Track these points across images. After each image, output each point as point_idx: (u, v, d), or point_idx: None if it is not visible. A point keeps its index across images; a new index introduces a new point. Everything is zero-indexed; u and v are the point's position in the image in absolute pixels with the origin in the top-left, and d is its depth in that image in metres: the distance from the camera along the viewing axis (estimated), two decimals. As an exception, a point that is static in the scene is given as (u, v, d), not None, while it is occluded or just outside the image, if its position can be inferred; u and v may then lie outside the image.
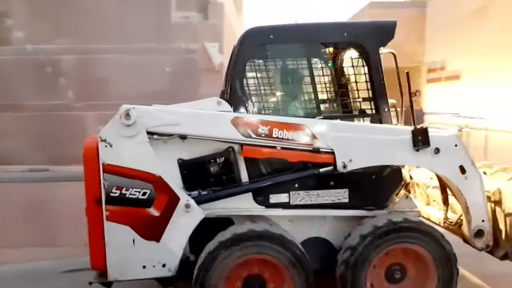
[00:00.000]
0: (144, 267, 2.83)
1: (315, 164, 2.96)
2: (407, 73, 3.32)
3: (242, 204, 3.00)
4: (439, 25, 21.63)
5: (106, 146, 2.74)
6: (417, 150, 2.98)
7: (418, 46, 25.62)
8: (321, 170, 2.94)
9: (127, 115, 2.74)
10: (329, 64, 3.25)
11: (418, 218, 3.31)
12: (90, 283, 2.89)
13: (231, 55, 3.23)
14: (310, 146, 2.91)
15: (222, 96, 3.75)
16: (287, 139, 2.89)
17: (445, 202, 3.39)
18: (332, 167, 2.93)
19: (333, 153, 2.92)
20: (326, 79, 3.23)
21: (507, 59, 15.84)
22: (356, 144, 2.96)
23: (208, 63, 5.06)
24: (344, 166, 2.92)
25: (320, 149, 2.93)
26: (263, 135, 2.88)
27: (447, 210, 3.42)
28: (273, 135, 2.89)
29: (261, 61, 3.28)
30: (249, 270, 2.90)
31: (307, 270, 2.88)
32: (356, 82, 3.19)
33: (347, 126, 3.09)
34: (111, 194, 2.76)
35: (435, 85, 21.74)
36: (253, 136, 2.88)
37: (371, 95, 3.18)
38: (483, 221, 3.09)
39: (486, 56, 17.25)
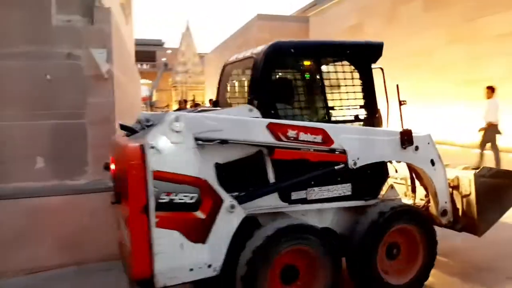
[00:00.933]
0: (191, 269, 2.88)
1: (330, 163, 3.35)
2: (397, 85, 3.89)
3: (271, 202, 3.25)
4: (320, 39, 23.35)
5: (155, 152, 2.73)
6: (404, 148, 3.59)
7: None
8: (336, 167, 3.35)
9: (176, 121, 2.81)
10: (332, 76, 3.64)
11: (407, 203, 3.99)
12: None
13: (254, 67, 3.45)
14: (327, 147, 3.32)
15: (214, 104, 4.08)
16: (310, 141, 3.26)
17: (414, 190, 4.10)
18: (343, 165, 3.36)
19: (345, 152, 3.36)
20: (334, 89, 3.62)
21: (375, 70, 17.73)
22: (362, 144, 3.44)
23: (96, 70, 4.71)
24: (354, 164, 3.39)
25: (335, 150, 3.35)
26: (292, 138, 3.19)
27: (415, 197, 4.13)
28: (299, 138, 3.21)
29: (281, 71, 3.73)
30: (287, 260, 3.13)
31: (337, 259, 3.24)
32: (354, 92, 3.64)
33: (354, 129, 3.57)
34: (160, 201, 2.75)
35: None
36: (284, 139, 3.17)
37: (364, 103, 3.65)
38: (446, 202, 3.85)
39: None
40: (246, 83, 3.94)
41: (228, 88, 4.24)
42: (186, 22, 44.32)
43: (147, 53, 64.33)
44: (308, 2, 33.39)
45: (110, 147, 3.74)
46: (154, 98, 60.31)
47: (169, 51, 61.03)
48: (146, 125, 3.29)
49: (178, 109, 11.77)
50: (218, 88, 4.30)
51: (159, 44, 68.79)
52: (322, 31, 23.29)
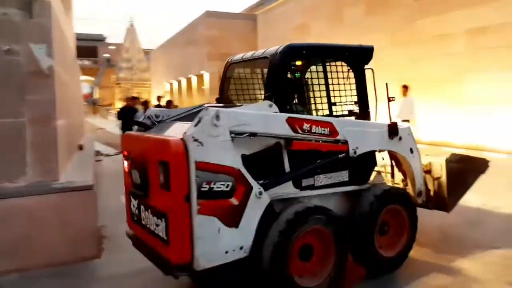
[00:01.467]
0: (226, 252, 3.15)
1: (335, 152, 3.78)
2: (386, 84, 4.31)
3: (286, 189, 3.58)
4: (268, 38, 23.61)
5: (198, 145, 2.97)
6: (391, 139, 4.11)
7: (252, 56, 27.55)
8: (339, 156, 3.78)
9: (217, 116, 3.07)
10: (333, 76, 4.05)
11: (396, 186, 4.53)
12: (176, 277, 3.08)
13: (270, 66, 3.79)
14: (333, 138, 3.73)
15: (218, 101, 4.46)
16: (320, 133, 3.66)
17: (392, 175, 4.69)
18: (345, 154, 3.79)
19: (346, 143, 3.79)
20: (334, 87, 4.03)
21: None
22: (360, 135, 3.90)
23: (36, 66, 4.45)
24: (354, 152, 3.84)
25: (339, 141, 3.77)
26: (306, 131, 3.56)
27: (393, 181, 4.71)
28: (312, 131, 3.60)
29: (294, 70, 4.09)
30: (305, 239, 3.46)
31: (345, 236, 3.64)
32: (350, 89, 4.11)
33: (354, 122, 4.02)
34: (202, 189, 3.00)
35: (269, 92, 23.67)
36: (300, 132, 3.53)
37: (358, 99, 4.12)
38: (421, 184, 4.43)
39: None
40: (257, 81, 4.52)
41: (233, 85, 4.56)
42: (130, 17, 42.77)
43: (88, 48, 61.73)
44: (256, 1, 33.60)
45: (125, 141, 3.94)
46: (96, 96, 58.11)
47: (112, 47, 58.78)
48: (156, 120, 3.72)
49: (125, 107, 11.18)
50: (221, 86, 4.57)
51: (101, 39, 66.15)
52: (269, 29, 23.55)
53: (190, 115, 3.70)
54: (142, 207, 3.53)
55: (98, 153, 12.37)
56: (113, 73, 48.12)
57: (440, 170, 4.53)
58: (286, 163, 3.57)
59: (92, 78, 60.81)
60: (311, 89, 4.19)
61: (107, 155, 12.34)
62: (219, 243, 3.10)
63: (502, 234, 4.97)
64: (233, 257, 3.17)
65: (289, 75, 4.07)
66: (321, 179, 3.80)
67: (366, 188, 4.05)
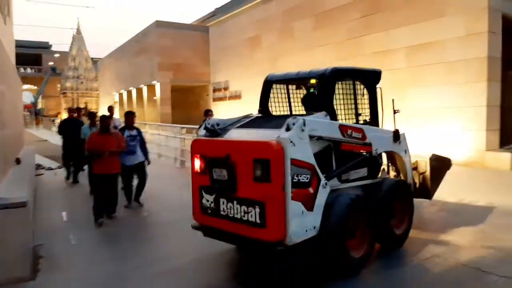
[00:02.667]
0: (306, 230, 3.83)
1: (364, 152, 4.69)
2: (393, 100, 5.22)
3: (334, 182, 4.26)
4: (220, 49, 23.68)
5: (292, 145, 3.70)
6: (394, 142, 5.10)
7: (204, 67, 27.51)
8: (367, 155, 4.70)
9: (304, 123, 3.84)
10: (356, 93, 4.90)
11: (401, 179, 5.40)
12: (278, 250, 3.70)
13: (322, 84, 4.62)
14: (363, 141, 4.57)
15: (260, 111, 5.19)
16: (356, 137, 4.48)
17: (388, 171, 5.47)
18: (369, 154, 4.70)
19: (370, 145, 4.66)
20: (357, 101, 4.91)
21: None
22: (379, 139, 4.84)
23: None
24: (376, 153, 4.78)
25: (366, 143, 4.61)
26: (349, 135, 4.38)
27: (389, 176, 5.53)
28: (353, 135, 4.43)
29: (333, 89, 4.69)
30: (353, 220, 4.15)
31: (375, 221, 4.46)
32: (366, 103, 5.05)
33: (374, 129, 4.92)
34: (293, 180, 3.69)
35: (221, 103, 23.67)
36: (346, 136, 4.35)
37: (371, 111, 5.07)
38: (411, 178, 5.41)
39: (260, 78, 19.81)
40: (296, 95, 5.31)
41: (273, 99, 5.24)
42: (77, 24, 41.26)
43: (32, 56, 58.78)
44: (208, 12, 33.64)
45: (197, 145, 4.46)
46: (40, 106, 55.26)
47: (57, 55, 56.31)
48: (219, 128, 4.40)
49: (67, 119, 10.23)
50: (262, 99, 5.25)
51: (45, 46, 63.18)
52: (222, 41, 23.62)
53: (247, 123, 4.55)
54: (222, 200, 4.08)
55: (39, 166, 11.74)
56: (59, 82, 45.99)
57: (425, 166, 5.70)
58: (333, 161, 4.33)
59: (35, 87, 57.87)
60: (346, 103, 4.98)
61: (49, 169, 11.73)
62: (303, 223, 3.79)
63: (474, 218, 6.10)
64: (310, 235, 3.86)
65: (334, 92, 4.81)
66: (351, 174, 4.60)
67: (379, 181, 4.96)
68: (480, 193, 7.46)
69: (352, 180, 4.61)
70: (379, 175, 5.16)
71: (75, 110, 11.27)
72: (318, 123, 4.12)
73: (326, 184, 4.01)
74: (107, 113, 9.41)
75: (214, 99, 24.55)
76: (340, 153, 4.38)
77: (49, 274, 4.38)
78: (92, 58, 43.46)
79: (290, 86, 5.32)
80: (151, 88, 30.97)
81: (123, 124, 7.48)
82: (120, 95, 39.70)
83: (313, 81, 4.94)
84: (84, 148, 6.47)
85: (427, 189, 5.70)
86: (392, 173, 5.55)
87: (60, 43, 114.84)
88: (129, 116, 7.21)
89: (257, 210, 3.75)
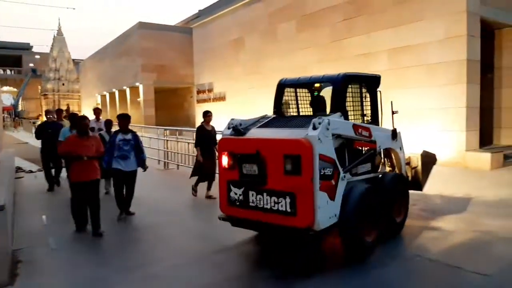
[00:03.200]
0: (330, 218, 4.26)
1: (370, 149, 5.18)
2: (391, 102, 5.68)
3: (347, 175, 4.61)
4: (204, 51, 23.61)
5: (319, 142, 4.13)
6: (393, 139, 5.67)
7: (188, 69, 27.39)
8: (373, 152, 5.22)
9: (329, 123, 4.27)
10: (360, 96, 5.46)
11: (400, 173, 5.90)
12: (311, 235, 4.16)
13: (336, 88, 5.10)
14: (369, 139, 5.06)
15: (275, 113, 5.59)
16: (365, 136, 4.98)
17: (383, 166, 5.96)
18: (374, 150, 5.23)
19: (375, 142, 5.17)
20: (363, 103, 5.49)
21: (256, 83, 18.65)
22: (381, 137, 5.36)
23: None
24: (379, 149, 5.38)
25: (372, 141, 5.11)
26: (360, 133, 4.87)
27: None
28: (362, 134, 4.91)
29: (346, 92, 5.14)
30: None
31: (383, 210, 5.02)
32: (368, 105, 5.56)
33: (377, 128, 5.44)
34: (320, 173, 4.12)
35: (204, 105, 23.58)
36: (358, 134, 4.83)
37: (372, 112, 5.58)
38: (405, 172, 5.98)
39: (243, 80, 19.86)
40: (306, 98, 5.97)
41: (284, 101, 5.75)
42: (58, 25, 40.68)
43: (12, 57, 57.64)
44: (191, 14, 33.52)
45: (226, 144, 4.82)
46: (20, 108, 54.15)
47: (37, 56, 55.33)
48: (242, 128, 4.83)
49: (45, 123, 9.43)
50: (276, 102, 5.70)
51: (26, 48, 61.98)
52: (205, 42, 23.55)
53: (267, 123, 4.99)
54: (252, 192, 4.47)
55: (19, 169, 11.51)
56: (39, 84, 45.17)
57: (416, 162, 6.21)
58: (346, 157, 4.72)
59: (15, 90, 56.72)
60: (355, 105, 5.43)
61: (30, 172, 11.51)
62: (327, 211, 4.22)
63: (461, 206, 6.88)
64: (332, 222, 4.29)
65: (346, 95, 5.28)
66: (359, 169, 5.03)
67: (382, 175, 5.49)
68: (458, 188, 7.94)
69: (360, 174, 5.05)
70: (379, 169, 5.75)
71: (56, 112, 10.30)
72: (338, 122, 4.59)
73: (344, 176, 4.48)
74: (92, 116, 8.94)
75: (198, 101, 24.46)
76: (352, 150, 4.86)
77: (28, 279, 4.29)
78: (73, 60, 42.88)
79: (298, 90, 5.95)
80: (134, 90, 30.70)
81: (115, 128, 7.12)
82: (103, 97, 39.23)
83: (317, 85, 5.75)
84: (58, 152, 5.99)
85: (418, 182, 6.23)
86: (388, 168, 5.98)
87: (41, 44, 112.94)
88: (123, 119, 6.61)
89: (288, 200, 4.19)
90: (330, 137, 4.30)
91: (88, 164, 5.62)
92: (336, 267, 4.53)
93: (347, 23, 14.19)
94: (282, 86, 5.77)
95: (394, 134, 5.70)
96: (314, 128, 4.19)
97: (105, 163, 6.32)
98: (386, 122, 5.79)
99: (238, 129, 4.82)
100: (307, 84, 5.86)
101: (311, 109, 5.77)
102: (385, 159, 5.95)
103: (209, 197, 7.78)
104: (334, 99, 5.06)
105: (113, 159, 6.36)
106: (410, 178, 6.21)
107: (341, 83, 5.04)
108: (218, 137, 7.61)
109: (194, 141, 10.80)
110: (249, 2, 19.44)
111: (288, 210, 4.18)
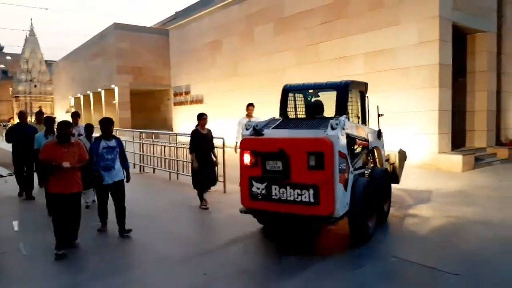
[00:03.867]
0: (344, 206, 4.87)
1: (364, 147, 5.86)
2: (377, 106, 6.51)
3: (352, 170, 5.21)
4: (181, 53, 23.44)
5: (338, 141, 4.74)
6: (378, 139, 6.41)
7: (165, 71, 27.14)
8: (367, 150, 5.97)
9: (344, 123, 4.89)
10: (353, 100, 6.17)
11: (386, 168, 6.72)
12: (333, 222, 4.85)
13: (341, 93, 5.65)
14: (365, 138, 5.81)
15: (281, 115, 6.04)
16: (362, 135, 5.71)
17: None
18: (367, 148, 5.92)
19: (368, 141, 5.91)
20: (355, 106, 6.24)
21: (234, 85, 18.65)
22: (372, 136, 6.13)
23: None
24: (371, 147, 6.06)
25: (366, 140, 5.87)
26: (359, 133, 5.58)
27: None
28: (360, 134, 5.64)
29: (348, 97, 5.74)
30: None
31: (378, 199, 5.81)
32: (358, 109, 6.29)
33: (368, 128, 6.19)
34: (339, 167, 4.71)
35: (182, 107, 23.41)
36: (358, 134, 5.50)
37: (361, 114, 6.28)
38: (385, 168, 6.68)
39: (221, 83, 19.81)
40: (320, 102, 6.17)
41: (290, 105, 6.23)
42: (30, 25, 39.62)
43: (-20, 57, 55.75)
44: (168, 16, 33.23)
45: (247, 143, 5.20)
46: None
47: (9, 58, 53.72)
48: (258, 128, 5.31)
49: (19, 124, 8.68)
50: (282, 106, 6.12)
51: (-4, 48, 60.11)
52: (182, 44, 23.39)
53: (280, 125, 5.51)
54: (274, 186, 4.92)
55: (-13, 174, 11.12)
56: (11, 85, 43.82)
57: (394, 158, 6.93)
58: (349, 153, 5.15)
59: (-16, 91, 54.82)
60: (353, 108, 6.09)
61: (0, 176, 11.14)
62: (343, 200, 4.84)
63: (431, 196, 7.88)
64: (345, 210, 4.90)
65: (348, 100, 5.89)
66: (358, 164, 5.65)
67: (372, 170, 6.07)
68: (427, 185, 8.36)
69: (357, 169, 5.54)
70: (368, 165, 6.39)
71: (36, 115, 9.37)
72: (349, 123, 5.23)
73: (353, 170, 5.13)
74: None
75: (175, 104, 24.26)
76: (352, 147, 5.43)
77: (-3, 288, 4.14)
78: (46, 61, 41.82)
79: (296, 95, 6.44)
80: (109, 92, 30.18)
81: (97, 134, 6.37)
82: (77, 99, 38.38)
83: (311, 90, 6.38)
84: (39, 160, 5.10)
85: (396, 176, 6.95)
86: (370, 164, 6.50)
87: (12, 45, 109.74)
88: (107, 124, 5.77)
89: (311, 192, 4.70)
90: (344, 136, 4.89)
91: (70, 175, 4.98)
92: (310, 268, 4.50)
93: (324, 26, 14.36)
94: (286, 91, 6.21)
95: (380, 134, 6.48)
96: (333, 128, 4.76)
97: (94, 171, 5.71)
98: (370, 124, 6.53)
99: (257, 130, 5.24)
100: (311, 89, 6.43)
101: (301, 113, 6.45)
102: (369, 155, 6.49)
103: (204, 206, 7.19)
104: (338, 103, 5.61)
105: (99, 170, 5.72)
106: (390, 171, 6.96)
107: (344, 89, 5.65)
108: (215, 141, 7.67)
109: (184, 146, 10.63)
110: (226, 5, 19.43)
111: (312, 200, 4.71)
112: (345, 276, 4.26)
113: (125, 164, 5.97)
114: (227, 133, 9.61)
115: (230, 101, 18.53)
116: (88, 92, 34.33)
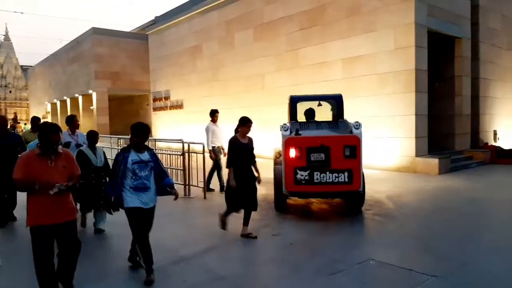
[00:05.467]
0: (362, 184, 6.55)
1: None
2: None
3: None
4: (161, 58, 23.28)
5: (360, 138, 6.42)
6: None
7: (144, 76, 26.91)
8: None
9: (358, 124, 6.48)
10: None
11: None
12: (360, 194, 6.66)
13: (340, 102, 7.85)
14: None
15: (291, 120, 7.64)
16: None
17: None
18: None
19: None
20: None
21: (214, 90, 18.61)
22: None
23: None
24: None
25: None
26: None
27: None
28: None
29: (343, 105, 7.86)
30: None
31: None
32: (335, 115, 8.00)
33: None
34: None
35: (161, 113, 23.22)
36: None
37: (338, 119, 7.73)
38: None
39: (201, 88, 19.74)
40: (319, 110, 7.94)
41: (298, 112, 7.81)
42: (5, 30, 38.79)
43: (-48, 62, 54.05)
44: (148, 20, 32.98)
45: (292, 141, 6.44)
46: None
47: (-18, 62, 52.26)
48: (291, 129, 6.68)
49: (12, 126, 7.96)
50: (292, 113, 7.77)
51: (-31, 52, 58.43)
52: (162, 49, 23.24)
53: (304, 127, 7.14)
54: (316, 173, 6.30)
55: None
56: (-16, 91, 42.69)
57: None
58: None
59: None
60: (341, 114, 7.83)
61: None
62: (363, 180, 6.49)
63: (408, 199, 7.20)
64: (363, 188, 6.63)
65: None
66: None
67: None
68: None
69: None
70: None
71: (31, 121, 7.69)
72: (357, 124, 6.51)
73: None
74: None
75: (155, 109, 24.05)
76: None
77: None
78: (22, 66, 40.95)
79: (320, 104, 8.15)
80: (87, 97, 29.72)
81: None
82: (53, 105, 37.64)
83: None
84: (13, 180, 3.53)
85: None
86: None
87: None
88: (142, 130, 4.30)
89: (346, 174, 6.28)
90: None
91: (59, 200, 3.56)
92: (288, 276, 4.48)
93: (303, 32, 14.49)
94: (293, 100, 7.85)
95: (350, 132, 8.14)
96: (356, 128, 6.42)
97: (110, 195, 4.38)
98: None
99: (298, 132, 6.61)
100: (313, 99, 8.14)
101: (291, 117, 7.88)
102: None
103: (247, 235, 5.70)
104: (339, 109, 7.81)
105: (124, 191, 4.25)
106: None
107: (341, 98, 7.87)
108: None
109: (164, 151, 10.45)
110: (206, 10, 19.43)
111: (346, 180, 6.28)
112: (323, 281, 4.26)
113: (166, 179, 4.49)
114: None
115: (210, 106, 18.37)
116: (65, 97, 33.73)
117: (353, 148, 6.30)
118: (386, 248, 5.21)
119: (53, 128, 3.61)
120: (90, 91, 28.62)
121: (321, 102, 8.20)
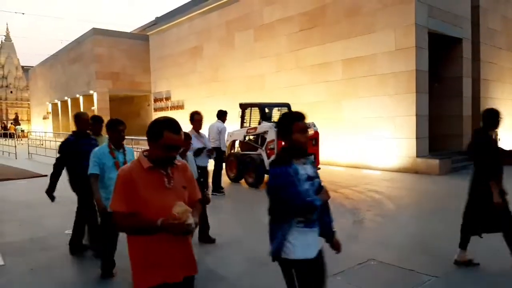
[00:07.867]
0: None
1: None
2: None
3: None
4: (161, 58, 23.31)
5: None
6: None
7: (145, 76, 26.91)
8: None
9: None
10: None
11: None
12: None
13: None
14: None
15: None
16: None
17: None
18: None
19: None
20: None
21: (215, 91, 18.62)
22: None
23: None
24: None
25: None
26: None
27: None
28: None
29: None
30: None
31: None
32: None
33: None
34: None
35: (162, 113, 23.22)
36: None
37: None
38: None
39: (201, 88, 19.75)
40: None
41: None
42: (6, 30, 38.83)
43: (-47, 62, 54.13)
44: (148, 21, 33.03)
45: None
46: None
47: (-17, 62, 52.33)
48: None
49: (75, 136, 5.64)
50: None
51: (-30, 53, 58.53)
52: (162, 50, 23.27)
53: None
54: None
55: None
56: (-16, 91, 42.75)
57: None
58: None
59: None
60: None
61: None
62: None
63: (408, 200, 6.89)
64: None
65: None
66: None
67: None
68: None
69: None
70: None
71: (92, 122, 5.59)
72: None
73: None
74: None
75: (156, 109, 24.08)
76: None
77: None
78: (23, 66, 40.99)
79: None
80: (88, 98, 29.73)
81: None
82: (54, 105, 37.68)
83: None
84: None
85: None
86: None
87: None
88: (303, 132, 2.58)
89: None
90: None
91: (177, 244, 2.13)
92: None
93: (303, 33, 14.51)
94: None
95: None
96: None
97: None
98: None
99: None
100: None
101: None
102: None
103: (468, 261, 4.50)
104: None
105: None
106: None
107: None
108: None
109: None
110: (207, 11, 19.45)
111: None
112: (324, 281, 4.27)
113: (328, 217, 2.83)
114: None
115: (211, 106, 18.46)
116: (66, 98, 33.75)
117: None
118: (386, 249, 5.22)
119: (186, 135, 2.65)
120: (91, 92, 28.63)
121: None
